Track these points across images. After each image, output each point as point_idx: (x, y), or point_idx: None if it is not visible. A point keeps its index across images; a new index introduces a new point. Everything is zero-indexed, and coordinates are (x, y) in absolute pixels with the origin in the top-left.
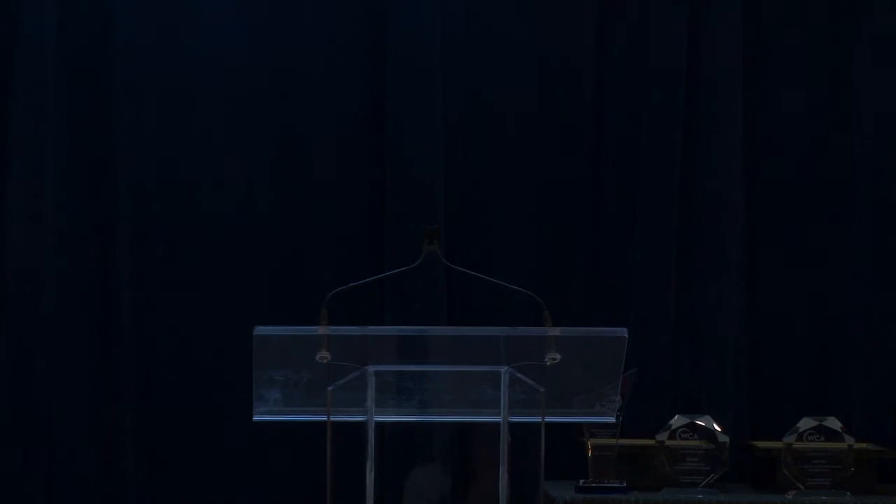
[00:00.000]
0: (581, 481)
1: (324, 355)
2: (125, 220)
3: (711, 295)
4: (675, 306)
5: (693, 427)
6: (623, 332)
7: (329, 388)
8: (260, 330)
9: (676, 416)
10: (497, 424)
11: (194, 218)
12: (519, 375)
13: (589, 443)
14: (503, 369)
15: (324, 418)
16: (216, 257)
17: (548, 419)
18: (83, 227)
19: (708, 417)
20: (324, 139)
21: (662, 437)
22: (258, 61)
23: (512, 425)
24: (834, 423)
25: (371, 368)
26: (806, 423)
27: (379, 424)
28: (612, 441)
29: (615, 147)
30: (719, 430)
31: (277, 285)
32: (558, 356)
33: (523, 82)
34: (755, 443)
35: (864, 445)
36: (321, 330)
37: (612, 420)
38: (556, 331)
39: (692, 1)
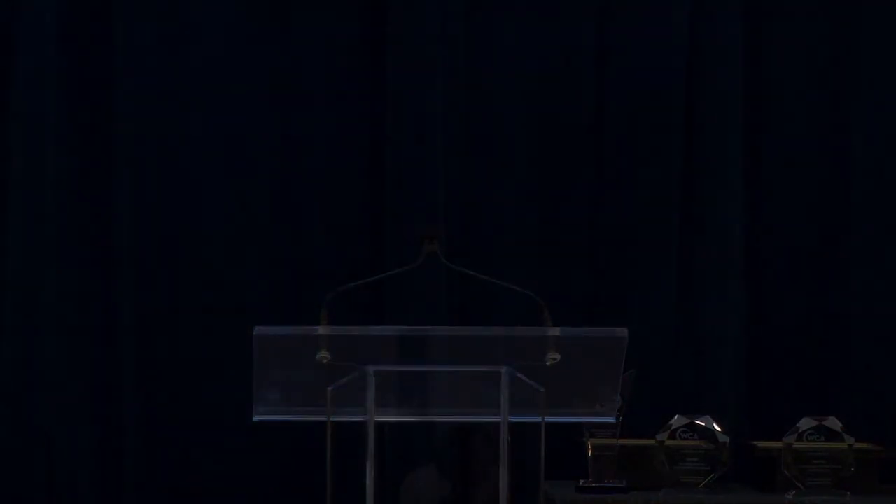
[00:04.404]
0: (581, 481)
1: (324, 355)
2: (125, 219)
3: (711, 295)
4: (676, 306)
5: (693, 427)
6: (623, 332)
7: (329, 388)
8: (260, 330)
9: (676, 416)
10: (497, 424)
11: (194, 218)
12: (519, 375)
13: (589, 443)
14: (503, 369)
15: (324, 418)
16: (216, 257)
17: (548, 419)
18: (83, 228)
19: (708, 417)
20: (324, 138)
21: (662, 437)
22: (259, 60)
23: (512, 425)
24: (834, 423)
25: (371, 368)
26: (806, 423)
27: (379, 424)
28: (612, 441)
29: (615, 147)
30: (719, 430)
31: (277, 285)
32: (558, 356)
33: (523, 81)
34: (755, 443)
35: (864, 445)
36: (321, 330)
37: (612, 420)
38: (556, 331)
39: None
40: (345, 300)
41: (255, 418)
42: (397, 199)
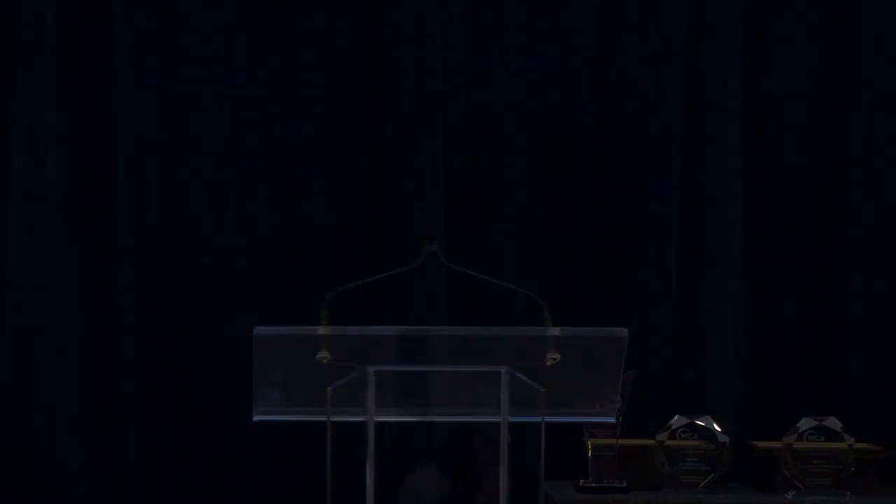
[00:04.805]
0: (581, 481)
1: (324, 355)
2: (125, 219)
3: (711, 295)
4: (676, 306)
5: (693, 427)
6: (623, 332)
7: (329, 388)
8: (260, 330)
9: (676, 416)
10: (497, 424)
11: (195, 218)
12: (519, 375)
13: (589, 443)
14: (503, 369)
15: (324, 418)
16: (216, 257)
17: (548, 419)
18: (83, 227)
19: (708, 417)
20: (324, 139)
21: (662, 437)
22: (259, 60)
23: (512, 425)
24: (834, 423)
25: (371, 368)
26: (806, 423)
27: (379, 424)
28: (612, 441)
29: (615, 147)
30: (719, 430)
31: (277, 285)
32: (558, 356)
33: (523, 82)
34: (755, 443)
35: (864, 445)
36: (321, 330)
37: (612, 420)
38: (556, 331)
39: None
40: (345, 300)
41: (255, 418)
42: (397, 199)
